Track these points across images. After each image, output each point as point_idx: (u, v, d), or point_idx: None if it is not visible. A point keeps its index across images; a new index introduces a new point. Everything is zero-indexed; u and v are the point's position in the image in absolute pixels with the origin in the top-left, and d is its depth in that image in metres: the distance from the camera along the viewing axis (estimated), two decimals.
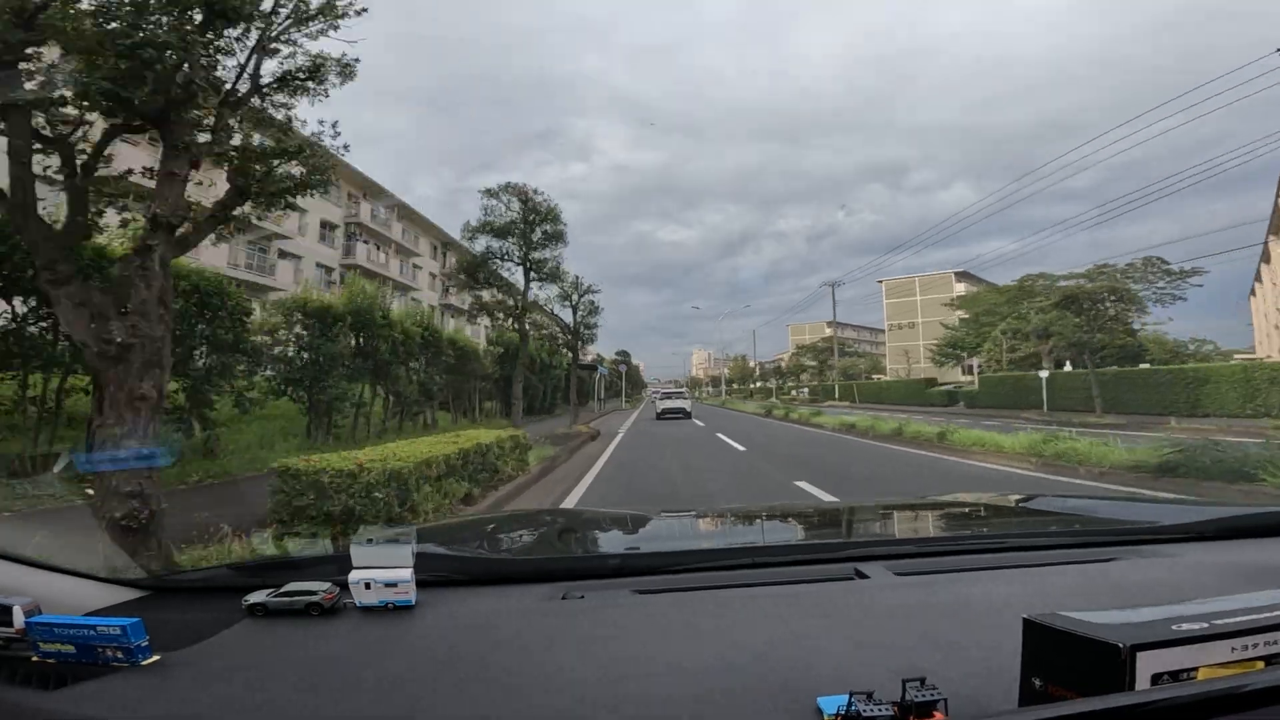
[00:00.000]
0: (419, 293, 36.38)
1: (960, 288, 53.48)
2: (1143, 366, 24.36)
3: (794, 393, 57.38)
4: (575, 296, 19.47)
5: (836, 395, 46.74)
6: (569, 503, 6.19)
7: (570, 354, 22.23)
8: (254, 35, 3.57)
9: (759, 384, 79.41)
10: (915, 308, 63.94)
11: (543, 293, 17.31)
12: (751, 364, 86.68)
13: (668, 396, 26.32)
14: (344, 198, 30.22)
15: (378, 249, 32.20)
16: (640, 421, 22.48)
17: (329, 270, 28.80)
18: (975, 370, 38.97)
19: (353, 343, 11.60)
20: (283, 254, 25.20)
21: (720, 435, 14.73)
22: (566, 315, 19.89)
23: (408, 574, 0.88)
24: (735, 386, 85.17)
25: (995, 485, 6.67)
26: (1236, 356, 29.80)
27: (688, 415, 24.37)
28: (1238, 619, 0.53)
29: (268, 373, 10.10)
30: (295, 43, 3.68)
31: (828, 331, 64.22)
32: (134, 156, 5.46)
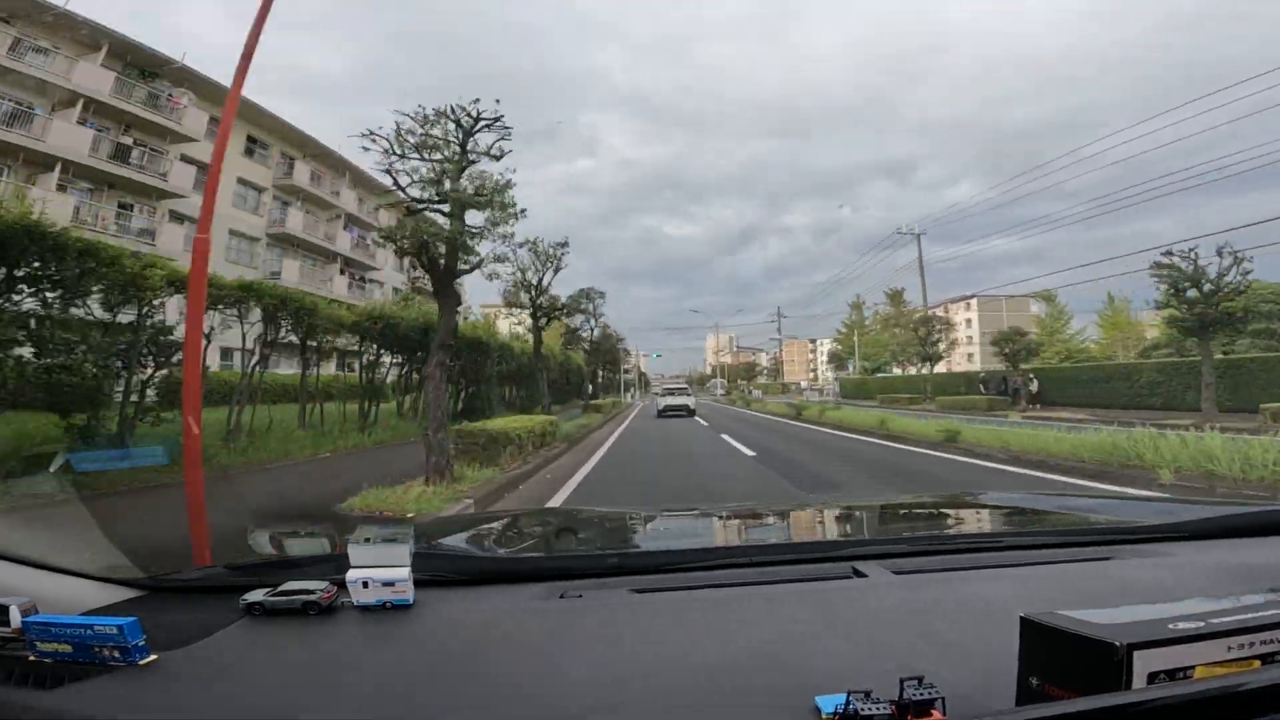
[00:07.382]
0: (379, 272, 31.89)
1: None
2: None
3: None
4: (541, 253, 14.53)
5: None
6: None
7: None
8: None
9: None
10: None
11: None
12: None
13: (670, 393, 25.23)
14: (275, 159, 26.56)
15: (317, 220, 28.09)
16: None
17: (252, 240, 24.96)
18: None
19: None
20: (176, 216, 20.87)
21: None
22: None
23: (405, 573, 0.88)
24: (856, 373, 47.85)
25: None
26: None
27: (691, 412, 22.70)
28: (1234, 618, 0.53)
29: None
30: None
31: None
32: None
